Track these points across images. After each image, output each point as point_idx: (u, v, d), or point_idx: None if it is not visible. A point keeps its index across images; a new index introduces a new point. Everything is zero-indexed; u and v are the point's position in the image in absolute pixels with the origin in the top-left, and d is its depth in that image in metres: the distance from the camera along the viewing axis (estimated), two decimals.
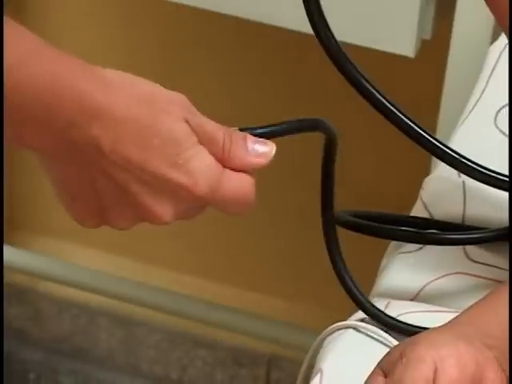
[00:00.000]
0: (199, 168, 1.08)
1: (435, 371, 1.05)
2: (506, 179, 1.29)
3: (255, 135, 1.14)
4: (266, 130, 1.15)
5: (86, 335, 2.56)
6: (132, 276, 2.43)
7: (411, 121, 1.20)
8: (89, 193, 1.11)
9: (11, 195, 2.79)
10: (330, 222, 1.26)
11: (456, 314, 1.16)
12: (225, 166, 1.12)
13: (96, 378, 2.46)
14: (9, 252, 2.50)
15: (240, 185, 1.12)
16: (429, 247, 1.34)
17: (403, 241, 1.35)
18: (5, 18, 1.06)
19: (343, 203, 1.29)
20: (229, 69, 2.17)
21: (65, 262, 2.47)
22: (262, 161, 1.12)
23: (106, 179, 1.08)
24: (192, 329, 2.42)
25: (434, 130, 1.69)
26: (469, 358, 1.09)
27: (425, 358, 1.07)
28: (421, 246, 1.34)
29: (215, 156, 1.10)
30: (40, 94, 1.04)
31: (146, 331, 2.45)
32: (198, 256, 2.50)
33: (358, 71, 1.17)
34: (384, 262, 1.38)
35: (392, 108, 1.20)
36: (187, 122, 1.08)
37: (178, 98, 1.11)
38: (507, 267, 1.32)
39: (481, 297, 1.19)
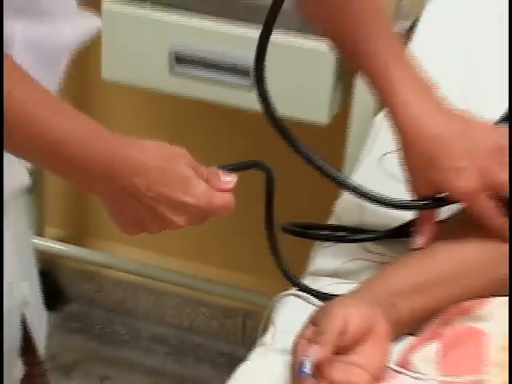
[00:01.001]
0: (200, 193, 1.33)
1: (346, 322, 1.27)
2: (384, 199, 1.53)
3: (226, 170, 1.39)
4: (231, 167, 1.40)
5: (131, 301, 2.86)
6: (157, 263, 2.78)
7: (326, 165, 1.50)
8: (132, 216, 1.34)
9: (87, 212, 3.00)
10: (272, 231, 1.48)
11: (358, 285, 1.42)
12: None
13: (138, 327, 2.77)
14: (83, 251, 2.85)
15: (224, 201, 1.36)
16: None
17: (323, 240, 1.60)
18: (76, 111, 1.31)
19: (282, 216, 1.51)
20: (211, 139, 2.33)
21: (117, 256, 2.82)
22: (230, 186, 1.36)
23: (143, 206, 1.33)
24: (196, 295, 2.76)
25: (341, 170, 1.89)
26: (366, 314, 1.31)
27: (338, 314, 1.28)
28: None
29: (200, 173, 1.36)
30: (103, 162, 1.28)
31: (168, 297, 2.79)
32: (197, 249, 2.78)
33: (291, 135, 1.49)
34: (312, 253, 1.60)
35: (314, 157, 1.50)
36: (190, 166, 1.34)
37: (184, 152, 1.35)
38: (390, 254, 1.54)
39: (373, 274, 1.46)
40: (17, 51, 1.28)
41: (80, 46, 1.44)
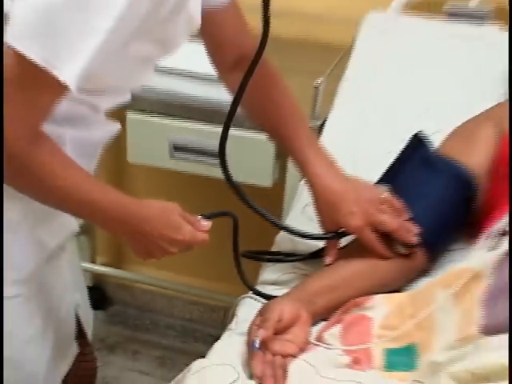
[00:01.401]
0: (186, 232, 1.31)
1: (281, 313, 1.28)
2: (305, 233, 1.51)
3: (204, 218, 1.36)
4: (208, 215, 1.37)
5: (152, 303, 2.76)
6: (167, 278, 2.66)
7: (268, 214, 1.48)
8: (143, 248, 1.33)
9: (122, 245, 2.78)
10: (237, 256, 1.47)
11: (289, 290, 1.40)
12: None
13: (157, 319, 2.68)
14: (120, 272, 2.75)
15: (202, 238, 1.33)
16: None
17: (268, 261, 1.54)
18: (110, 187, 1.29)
19: (243, 246, 1.48)
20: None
21: (142, 274, 2.70)
22: (207, 228, 1.34)
23: (150, 242, 1.31)
24: (193, 298, 2.67)
25: (281, 216, 1.83)
26: (294, 307, 1.31)
27: (276, 308, 1.30)
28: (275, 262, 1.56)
29: (188, 220, 1.33)
30: (126, 217, 1.28)
31: (175, 300, 2.71)
32: (192, 268, 2.59)
33: (245, 195, 1.45)
34: (261, 270, 1.54)
35: (260, 209, 1.47)
36: (180, 215, 1.32)
37: (176, 206, 1.33)
38: (310, 269, 1.49)
39: (299, 282, 1.44)
40: (68, 148, 1.25)
41: (108, 141, 1.43)
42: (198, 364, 1.26)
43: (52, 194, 1.20)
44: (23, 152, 1.10)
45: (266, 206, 1.59)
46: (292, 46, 2.22)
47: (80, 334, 1.57)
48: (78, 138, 1.29)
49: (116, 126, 1.42)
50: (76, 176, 1.20)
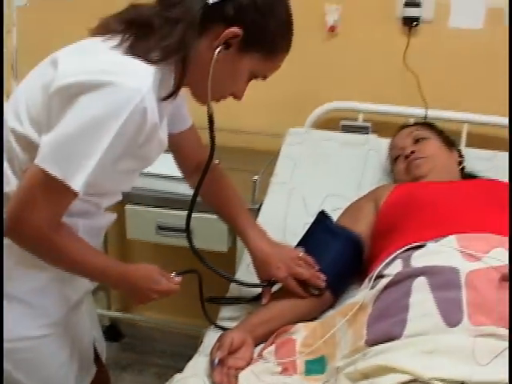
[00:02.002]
0: (163, 284, 1.28)
1: (232, 339, 1.30)
2: (248, 283, 1.49)
3: (177, 274, 1.32)
4: (180, 272, 1.32)
5: (151, 335, 2.62)
6: (162, 317, 2.55)
7: (221, 271, 1.44)
8: (136, 296, 1.29)
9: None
10: (202, 301, 1.44)
11: (238, 323, 1.40)
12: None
13: (153, 345, 2.57)
14: (129, 315, 2.61)
15: (175, 288, 1.29)
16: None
17: (225, 304, 1.52)
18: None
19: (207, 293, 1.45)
20: None
21: (144, 315, 2.58)
22: (178, 281, 1.30)
23: (140, 292, 1.28)
24: (177, 331, 2.54)
25: (234, 272, 1.67)
26: (241, 335, 1.32)
27: (228, 336, 1.32)
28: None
29: (164, 276, 1.29)
30: (124, 277, 1.26)
31: (165, 331, 2.58)
32: (175, 311, 2.48)
33: (202, 257, 1.41)
34: (221, 309, 1.51)
35: (216, 269, 1.43)
36: (159, 273, 1.29)
37: (156, 268, 1.30)
38: (251, 308, 1.46)
39: (244, 317, 1.43)
40: (80, 232, 1.25)
41: (112, 225, 1.41)
42: (177, 376, 1.28)
43: (68, 265, 1.21)
44: (45, 236, 1.13)
45: (225, 264, 1.59)
46: (236, 152, 2.20)
47: (97, 358, 1.53)
48: (87, 225, 1.28)
49: (113, 216, 1.40)
50: (86, 253, 1.21)
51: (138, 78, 1.08)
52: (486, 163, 1.83)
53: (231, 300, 1.54)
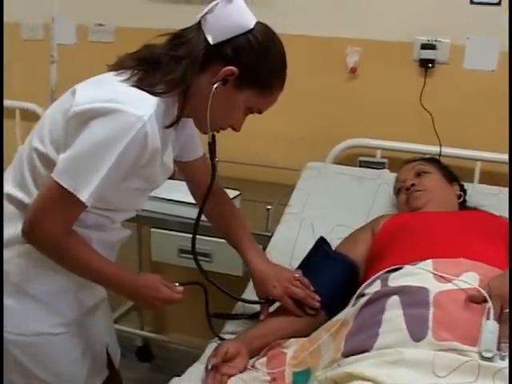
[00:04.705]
0: (166, 293, 1.36)
1: (227, 348, 1.36)
2: (248, 300, 1.56)
3: (180, 284, 1.38)
4: (183, 283, 1.38)
5: (179, 355, 2.54)
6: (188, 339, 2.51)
7: (228, 291, 1.51)
8: (142, 302, 1.39)
9: (166, 315, 2.75)
10: (208, 316, 1.50)
11: (237, 335, 1.47)
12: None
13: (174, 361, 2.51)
14: (160, 336, 2.69)
15: (177, 297, 1.37)
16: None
17: (229, 319, 1.59)
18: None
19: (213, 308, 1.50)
20: None
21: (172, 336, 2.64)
22: (179, 291, 1.37)
23: (144, 299, 1.36)
24: (189, 348, 2.48)
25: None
26: (237, 345, 1.38)
27: (224, 346, 1.39)
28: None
29: (167, 286, 1.37)
30: (134, 287, 1.34)
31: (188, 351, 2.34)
32: (189, 329, 2.52)
33: (209, 277, 1.47)
34: (225, 324, 1.57)
35: (222, 288, 1.50)
36: (162, 283, 1.37)
37: (159, 277, 1.38)
38: (251, 323, 1.53)
39: (241, 331, 1.49)
40: (94, 244, 1.35)
41: (123, 241, 1.49)
42: (175, 380, 1.37)
43: (76, 269, 1.31)
44: (57, 241, 1.25)
45: (240, 287, 1.67)
46: (258, 184, 2.32)
47: (109, 362, 1.59)
48: (100, 238, 1.38)
49: (127, 232, 1.49)
50: (93, 260, 1.31)
51: (141, 106, 1.21)
52: (492, 198, 1.89)
53: (234, 316, 1.63)
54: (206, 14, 1.29)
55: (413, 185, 1.75)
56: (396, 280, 1.33)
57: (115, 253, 1.51)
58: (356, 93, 2.29)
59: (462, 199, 1.79)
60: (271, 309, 1.57)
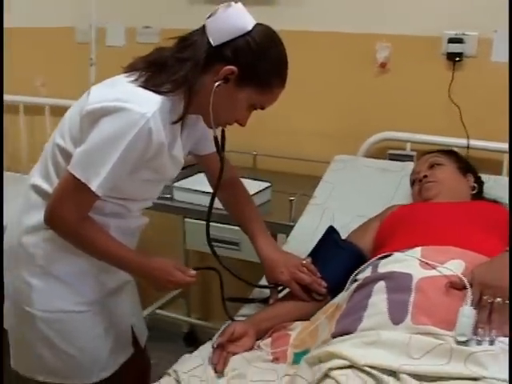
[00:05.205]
0: (177, 276, 1.42)
1: (234, 329, 1.41)
2: (259, 284, 1.62)
3: (194, 269, 1.44)
4: (196, 268, 1.43)
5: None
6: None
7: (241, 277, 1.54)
8: (156, 285, 1.44)
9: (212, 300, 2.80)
10: (223, 300, 1.53)
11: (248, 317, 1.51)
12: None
13: None
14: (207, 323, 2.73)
15: (189, 280, 1.43)
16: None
17: (243, 302, 1.64)
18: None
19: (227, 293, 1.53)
20: None
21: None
22: (192, 275, 1.43)
23: (157, 281, 1.42)
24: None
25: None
26: (244, 326, 1.43)
27: (231, 326, 1.43)
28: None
29: (180, 270, 1.43)
30: (144, 267, 1.41)
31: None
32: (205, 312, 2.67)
33: (223, 264, 1.55)
34: (241, 308, 1.64)
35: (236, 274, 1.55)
36: (174, 266, 1.43)
37: (171, 260, 1.43)
38: (263, 306, 1.56)
39: (255, 313, 1.53)
40: (111, 231, 1.45)
41: (141, 228, 1.57)
42: (186, 356, 1.45)
43: (93, 253, 1.41)
44: (73, 227, 1.36)
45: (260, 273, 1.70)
46: (291, 177, 2.40)
47: (134, 340, 1.65)
48: (118, 225, 1.47)
49: (145, 219, 1.57)
50: (110, 244, 1.40)
51: (145, 104, 1.30)
52: None
53: (247, 300, 1.69)
54: (208, 17, 1.37)
55: (425, 176, 1.78)
56: (384, 266, 1.38)
57: (135, 239, 1.60)
58: (386, 87, 2.32)
59: (475, 191, 1.79)
60: (282, 295, 1.61)
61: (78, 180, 1.33)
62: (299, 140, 2.47)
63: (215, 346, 1.42)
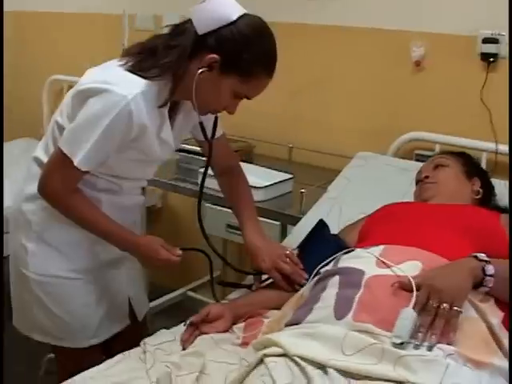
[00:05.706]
0: (162, 254, 1.46)
1: (210, 310, 1.42)
2: (246, 270, 1.63)
3: (181, 249, 1.47)
4: (183, 248, 1.46)
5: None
6: None
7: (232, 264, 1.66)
8: (145, 262, 1.51)
9: None
10: (212, 283, 1.58)
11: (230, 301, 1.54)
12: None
13: None
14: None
15: (175, 259, 1.46)
16: None
17: (231, 287, 1.69)
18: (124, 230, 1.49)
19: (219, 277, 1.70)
20: None
21: None
22: (178, 254, 1.46)
23: (144, 258, 1.48)
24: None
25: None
26: (221, 308, 1.45)
27: (207, 308, 1.43)
28: None
29: (166, 248, 1.47)
30: (133, 244, 1.47)
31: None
32: None
33: (216, 249, 1.58)
34: (230, 292, 1.68)
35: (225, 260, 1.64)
36: (160, 244, 1.47)
37: (159, 239, 1.48)
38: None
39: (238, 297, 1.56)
40: (103, 206, 1.52)
41: (136, 206, 1.63)
42: (162, 330, 1.48)
43: (82, 224, 1.48)
44: (60, 198, 1.44)
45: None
46: (322, 172, 2.40)
47: (131, 312, 1.70)
48: (111, 200, 1.54)
49: (141, 198, 1.64)
50: (97, 216, 1.47)
51: (128, 87, 1.37)
52: None
53: (235, 284, 1.74)
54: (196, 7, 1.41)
55: (427, 177, 1.74)
56: (344, 261, 1.38)
57: (137, 217, 1.69)
58: (419, 86, 2.27)
59: (479, 195, 1.73)
60: (267, 283, 1.63)
61: (64, 154, 1.42)
62: (334, 135, 2.47)
63: (188, 323, 1.44)
